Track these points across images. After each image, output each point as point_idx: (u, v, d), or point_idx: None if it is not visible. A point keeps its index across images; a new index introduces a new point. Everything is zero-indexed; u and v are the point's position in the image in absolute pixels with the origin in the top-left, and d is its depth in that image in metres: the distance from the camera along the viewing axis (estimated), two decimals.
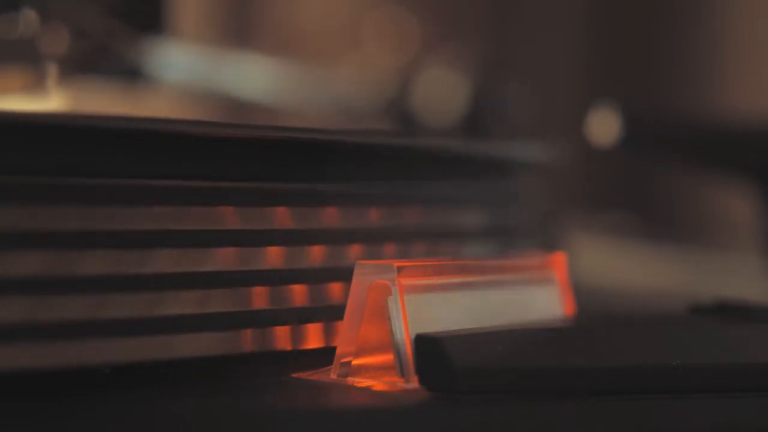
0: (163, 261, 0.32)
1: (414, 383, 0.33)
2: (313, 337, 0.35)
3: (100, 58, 0.60)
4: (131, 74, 0.62)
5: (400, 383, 0.33)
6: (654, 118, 0.63)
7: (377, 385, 0.34)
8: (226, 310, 0.33)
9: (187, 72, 0.66)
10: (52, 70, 0.57)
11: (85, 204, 0.31)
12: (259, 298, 0.34)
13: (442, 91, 0.71)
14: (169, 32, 0.66)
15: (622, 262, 0.77)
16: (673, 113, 1.01)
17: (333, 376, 0.34)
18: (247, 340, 0.34)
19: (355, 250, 0.36)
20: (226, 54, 0.71)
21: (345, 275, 0.35)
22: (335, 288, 0.35)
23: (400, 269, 0.33)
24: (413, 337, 0.33)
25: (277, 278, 0.34)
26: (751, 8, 1.17)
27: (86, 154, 0.31)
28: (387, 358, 0.33)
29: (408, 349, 0.33)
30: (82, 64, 0.59)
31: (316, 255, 0.35)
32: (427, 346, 0.33)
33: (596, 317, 0.40)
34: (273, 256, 0.34)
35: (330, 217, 0.36)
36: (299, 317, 0.35)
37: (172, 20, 0.66)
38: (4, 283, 0.30)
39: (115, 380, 0.32)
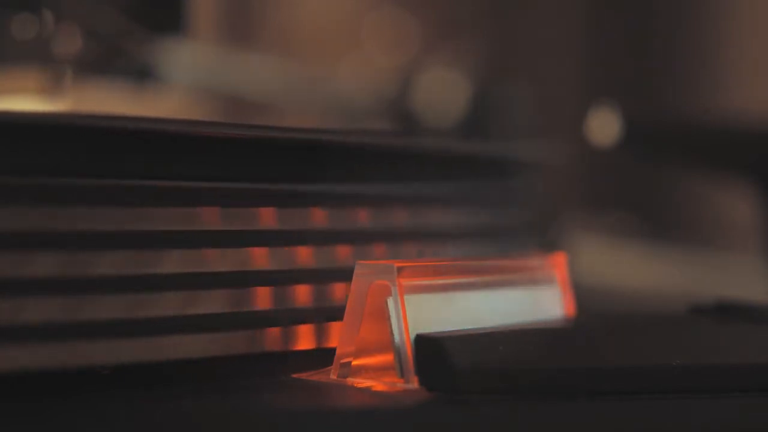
0: (164, 262, 0.32)
1: (414, 383, 0.33)
2: (313, 338, 0.35)
3: (113, 59, 0.61)
4: (144, 75, 0.62)
5: (400, 383, 0.33)
6: (654, 118, 0.63)
7: (377, 385, 0.34)
8: (226, 311, 0.33)
9: (199, 73, 0.66)
10: (66, 71, 0.57)
11: (86, 205, 0.31)
12: (260, 298, 0.34)
13: (442, 91, 0.71)
14: (182, 33, 0.66)
15: (622, 262, 0.77)
16: (673, 113, 1.01)
17: (333, 376, 0.34)
18: (247, 341, 0.34)
19: (354, 250, 0.36)
20: (233, 55, 0.71)
21: (346, 275, 0.35)
22: (335, 288, 0.35)
23: (400, 269, 0.33)
24: (413, 337, 0.33)
25: (278, 279, 0.34)
26: (752, 8, 1.17)
27: (86, 154, 0.31)
28: (387, 358, 0.33)
29: (408, 349, 0.33)
30: (95, 65, 0.59)
31: (316, 255, 0.35)
32: (427, 346, 0.33)
33: (596, 317, 0.40)
34: (275, 257, 0.34)
35: (330, 217, 0.36)
36: (300, 318, 0.35)
37: (185, 21, 0.66)
38: (4, 284, 0.30)
39: (115, 380, 0.32)
